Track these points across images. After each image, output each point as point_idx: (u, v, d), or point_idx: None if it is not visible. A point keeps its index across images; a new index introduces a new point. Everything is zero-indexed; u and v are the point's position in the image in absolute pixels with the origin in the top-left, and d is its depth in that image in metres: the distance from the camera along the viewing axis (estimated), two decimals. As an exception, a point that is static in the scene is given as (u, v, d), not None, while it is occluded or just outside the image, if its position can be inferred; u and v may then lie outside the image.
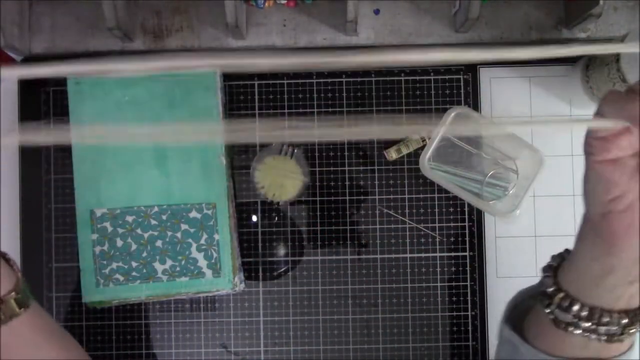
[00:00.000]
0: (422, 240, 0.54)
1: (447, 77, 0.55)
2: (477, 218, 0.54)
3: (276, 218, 0.55)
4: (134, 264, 0.53)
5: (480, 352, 0.54)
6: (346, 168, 0.55)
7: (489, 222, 0.55)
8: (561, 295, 0.33)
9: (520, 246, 0.55)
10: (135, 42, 0.56)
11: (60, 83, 0.55)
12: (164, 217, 0.54)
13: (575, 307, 0.32)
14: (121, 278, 0.53)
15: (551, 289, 0.33)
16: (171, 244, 0.53)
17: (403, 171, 0.55)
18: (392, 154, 0.54)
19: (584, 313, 0.31)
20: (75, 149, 0.54)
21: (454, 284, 0.54)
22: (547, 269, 0.35)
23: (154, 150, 0.54)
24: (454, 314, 0.54)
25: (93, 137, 0.31)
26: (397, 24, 0.56)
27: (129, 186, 0.53)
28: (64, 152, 0.55)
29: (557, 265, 0.35)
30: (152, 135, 0.29)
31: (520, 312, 0.37)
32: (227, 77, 0.55)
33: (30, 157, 0.55)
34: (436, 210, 0.55)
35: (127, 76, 0.54)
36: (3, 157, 0.55)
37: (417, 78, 0.55)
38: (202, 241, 0.53)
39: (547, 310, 0.33)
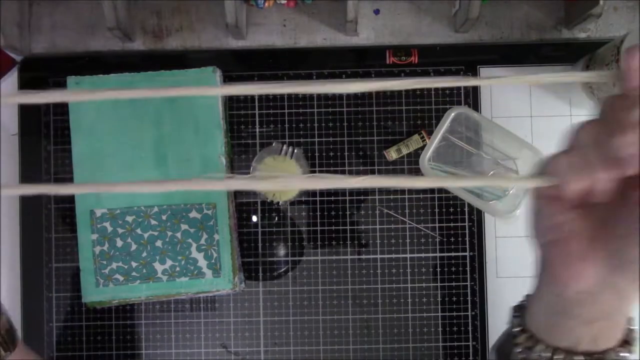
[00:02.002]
0: (422, 240, 0.54)
1: (447, 77, 0.55)
2: (477, 218, 0.54)
3: (276, 218, 0.55)
4: (134, 264, 0.53)
5: (480, 352, 0.54)
6: (346, 168, 0.55)
7: (489, 222, 0.55)
8: (526, 335, 0.32)
9: (520, 246, 0.54)
10: (135, 42, 0.56)
11: (60, 83, 0.55)
12: (164, 217, 0.54)
13: (539, 348, 0.31)
14: (121, 278, 0.53)
15: (517, 329, 0.33)
16: (171, 244, 0.53)
17: (403, 171, 0.55)
18: (392, 154, 0.54)
19: (547, 354, 0.30)
20: (75, 149, 0.54)
21: (454, 284, 0.54)
22: (517, 308, 0.34)
23: (154, 151, 0.54)
24: (454, 314, 0.54)
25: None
26: (397, 24, 0.56)
27: (129, 186, 0.53)
28: (64, 152, 0.55)
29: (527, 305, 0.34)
30: (155, 188, 0.29)
31: (506, 352, 0.36)
32: (227, 76, 0.55)
33: (30, 157, 0.55)
34: (436, 210, 0.55)
35: (126, 76, 0.54)
36: (3, 157, 0.55)
37: (417, 78, 0.55)
38: (202, 241, 0.53)
39: (517, 350, 0.32)
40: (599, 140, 0.25)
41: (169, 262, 0.53)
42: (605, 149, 0.24)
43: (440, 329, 0.54)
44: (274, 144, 0.55)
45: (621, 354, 0.29)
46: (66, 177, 0.55)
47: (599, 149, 0.25)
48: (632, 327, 0.30)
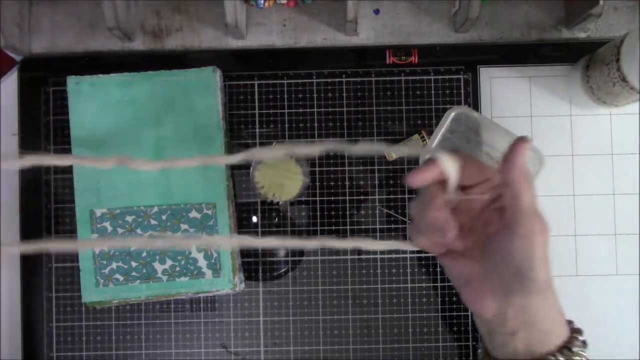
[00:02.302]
0: (422, 240, 0.54)
1: (447, 76, 0.55)
2: (477, 218, 0.54)
3: (276, 218, 0.55)
4: (134, 264, 0.53)
5: (480, 352, 0.54)
6: (346, 168, 0.55)
7: (489, 222, 0.54)
8: (483, 353, 0.39)
9: (520, 246, 0.54)
10: (135, 42, 0.56)
11: (60, 83, 0.55)
12: (164, 217, 0.54)
13: None
14: (121, 278, 0.53)
15: (480, 350, 0.40)
16: (171, 244, 0.53)
17: (403, 171, 0.55)
18: (392, 154, 0.54)
19: None
20: (75, 149, 0.54)
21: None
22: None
23: (153, 151, 0.54)
24: (454, 314, 0.54)
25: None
26: (397, 24, 0.56)
27: (129, 186, 0.53)
28: (64, 152, 0.55)
29: None
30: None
31: None
32: (227, 76, 0.55)
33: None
34: (436, 210, 0.54)
35: (126, 76, 0.54)
36: (3, 157, 0.55)
37: (417, 78, 0.55)
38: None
39: None
40: (419, 215, 0.37)
41: (169, 262, 0.53)
42: (422, 221, 0.37)
43: (440, 329, 0.54)
44: (274, 144, 0.55)
45: (560, 358, 0.35)
46: (66, 177, 0.55)
47: (421, 220, 0.37)
48: (575, 335, 0.36)
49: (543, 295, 0.36)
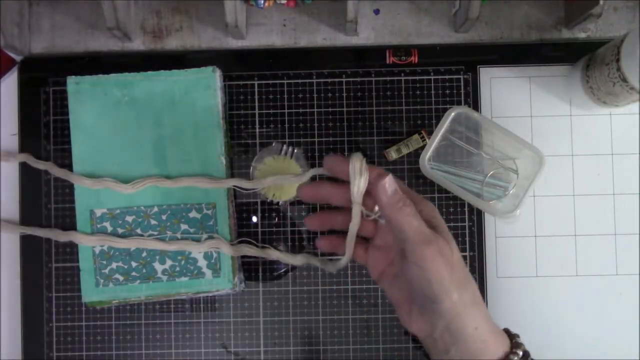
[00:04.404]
0: (422, 240, 0.54)
1: (447, 76, 0.55)
2: (477, 218, 0.54)
3: (276, 218, 0.55)
4: (134, 264, 0.53)
5: (480, 352, 0.54)
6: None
7: (489, 222, 0.55)
8: None
9: (520, 246, 0.54)
10: (135, 42, 0.56)
11: (60, 83, 0.55)
12: (164, 217, 0.54)
13: None
14: (121, 278, 0.53)
15: None
16: (171, 244, 0.53)
17: (403, 171, 0.55)
18: (392, 154, 0.54)
19: None
20: (75, 149, 0.54)
21: (454, 284, 0.54)
22: None
23: (153, 151, 0.54)
24: (454, 314, 0.54)
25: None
26: (397, 24, 0.56)
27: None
28: (64, 152, 0.55)
29: None
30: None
31: None
32: (227, 76, 0.55)
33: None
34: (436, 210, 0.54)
35: (126, 76, 0.54)
36: (3, 157, 0.55)
37: (417, 78, 0.55)
38: (202, 241, 0.53)
39: None
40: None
41: (168, 262, 0.53)
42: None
43: (440, 329, 0.54)
44: (274, 144, 0.55)
45: None
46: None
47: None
48: (515, 350, 0.37)
49: (464, 314, 0.36)
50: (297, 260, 0.51)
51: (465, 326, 0.36)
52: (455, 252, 0.37)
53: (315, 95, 0.55)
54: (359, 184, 0.38)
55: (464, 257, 0.54)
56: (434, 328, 0.36)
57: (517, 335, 0.39)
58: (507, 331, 0.40)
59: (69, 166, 0.54)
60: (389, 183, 0.37)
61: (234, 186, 0.53)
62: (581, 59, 0.53)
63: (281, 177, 0.50)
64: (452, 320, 0.36)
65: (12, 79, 0.56)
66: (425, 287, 0.35)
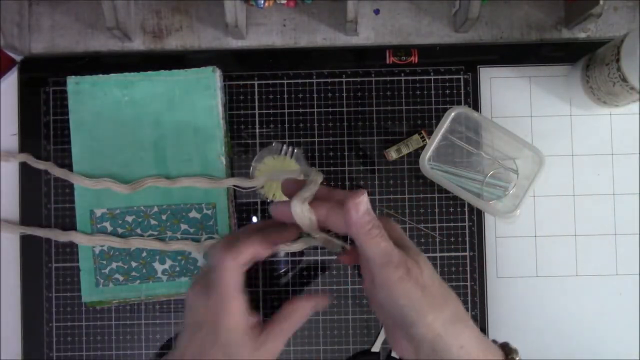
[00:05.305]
0: (422, 240, 0.54)
1: (447, 76, 0.55)
2: (477, 218, 0.54)
3: (276, 218, 0.55)
4: (134, 264, 0.53)
5: (480, 352, 0.54)
6: (346, 168, 0.55)
7: (489, 222, 0.55)
8: None
9: (520, 246, 0.54)
10: (135, 42, 0.56)
11: (60, 83, 0.55)
12: (164, 217, 0.54)
13: None
14: (121, 278, 0.53)
15: None
16: (171, 244, 0.53)
17: (403, 171, 0.55)
18: (392, 154, 0.54)
19: None
20: (75, 149, 0.54)
21: (454, 284, 0.54)
22: None
23: (154, 151, 0.54)
24: (454, 314, 0.54)
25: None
26: (397, 24, 0.56)
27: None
28: (64, 152, 0.55)
29: None
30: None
31: None
32: (227, 77, 0.55)
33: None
34: (436, 210, 0.55)
35: (126, 76, 0.54)
36: (3, 158, 0.55)
37: (417, 78, 0.55)
38: (202, 241, 0.53)
39: None
40: None
41: (168, 262, 0.53)
42: None
43: (440, 329, 0.54)
44: (274, 144, 0.55)
45: None
46: (66, 177, 0.55)
47: None
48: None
49: (445, 335, 0.35)
50: (297, 246, 0.52)
51: (449, 346, 0.35)
52: (425, 272, 0.36)
53: (315, 95, 0.55)
54: (308, 225, 0.38)
55: (464, 257, 0.54)
56: (419, 349, 0.35)
57: (515, 351, 0.38)
58: (505, 345, 0.38)
59: (69, 166, 0.54)
60: (361, 202, 0.35)
61: (234, 186, 0.53)
62: (581, 59, 0.53)
63: (280, 172, 0.51)
64: (433, 341, 0.35)
65: (12, 79, 0.56)
66: (396, 310, 0.35)
